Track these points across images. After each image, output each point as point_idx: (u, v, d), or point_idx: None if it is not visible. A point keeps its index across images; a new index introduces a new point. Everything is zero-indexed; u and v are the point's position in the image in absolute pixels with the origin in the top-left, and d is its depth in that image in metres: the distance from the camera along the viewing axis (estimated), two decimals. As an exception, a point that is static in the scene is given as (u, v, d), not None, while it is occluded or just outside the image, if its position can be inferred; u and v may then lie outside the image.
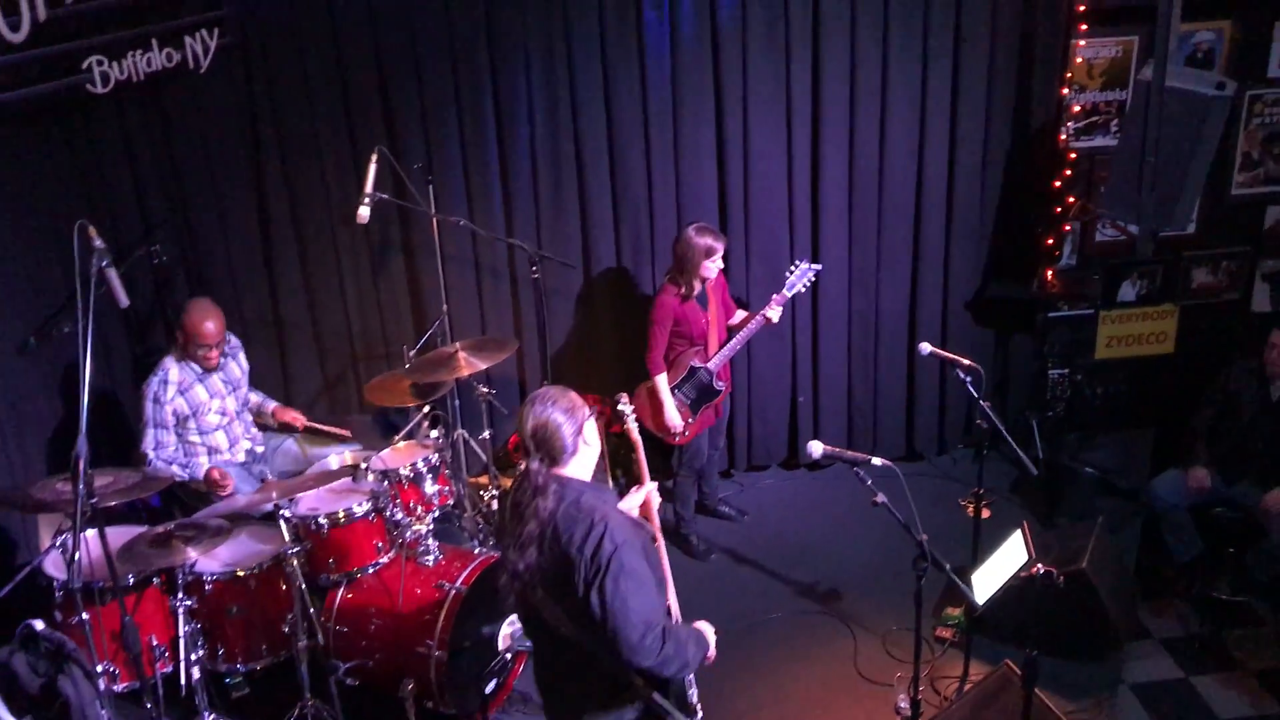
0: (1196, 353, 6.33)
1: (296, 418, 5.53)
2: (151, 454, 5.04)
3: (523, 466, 3.05)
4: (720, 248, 5.29)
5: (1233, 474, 5.28)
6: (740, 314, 5.68)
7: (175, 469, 5.04)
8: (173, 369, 5.08)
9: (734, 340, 5.50)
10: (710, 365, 5.47)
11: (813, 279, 5.46)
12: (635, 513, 3.69)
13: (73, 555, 3.57)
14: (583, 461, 3.11)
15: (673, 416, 5.46)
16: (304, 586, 4.40)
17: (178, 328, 5.09)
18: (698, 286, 5.39)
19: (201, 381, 5.14)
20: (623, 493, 4.02)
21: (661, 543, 3.53)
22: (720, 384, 5.53)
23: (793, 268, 5.43)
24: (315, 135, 5.76)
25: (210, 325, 5.03)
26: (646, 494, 3.75)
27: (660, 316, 5.38)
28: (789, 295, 5.40)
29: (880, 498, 3.70)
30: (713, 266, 5.31)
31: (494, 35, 5.63)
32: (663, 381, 5.44)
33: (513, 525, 3.06)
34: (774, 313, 5.35)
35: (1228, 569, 5.26)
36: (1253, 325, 6.15)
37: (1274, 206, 6.25)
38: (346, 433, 5.52)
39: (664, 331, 5.40)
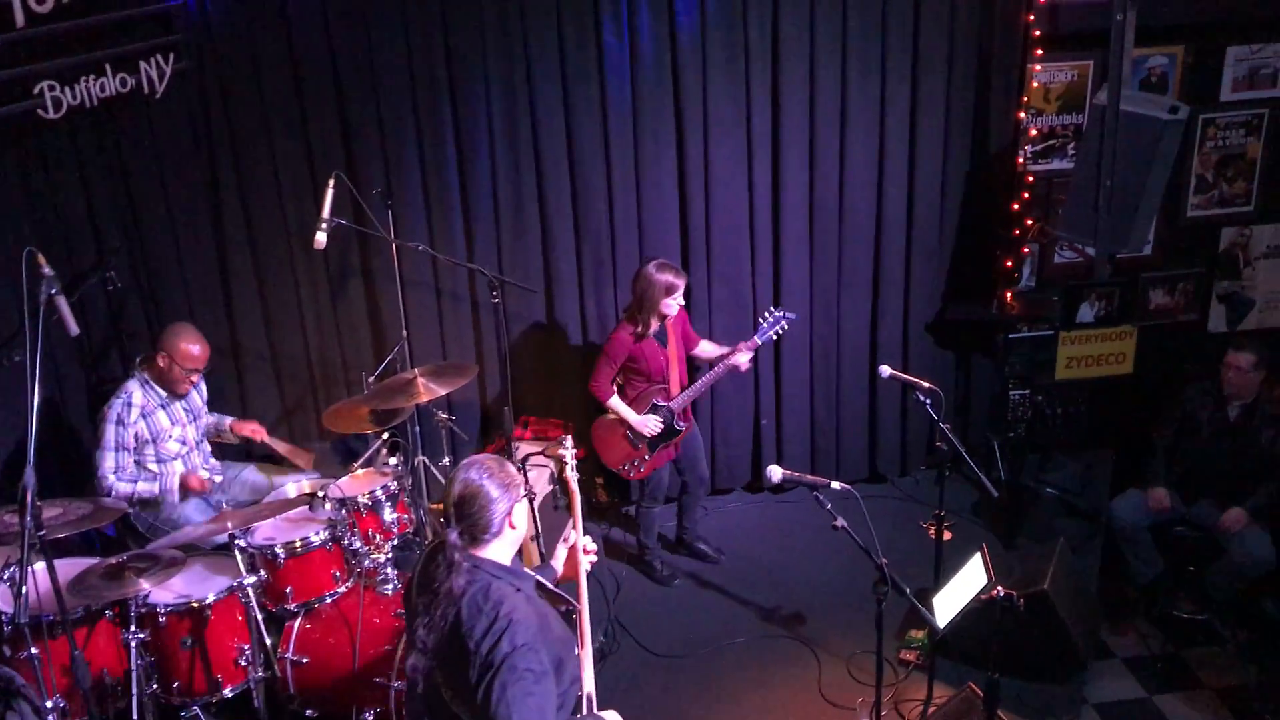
0: (1155, 373, 6.39)
1: (256, 430, 5.43)
2: (111, 477, 4.94)
3: (435, 533, 2.91)
4: (681, 284, 5.19)
5: (1192, 493, 5.32)
6: (704, 344, 5.60)
7: (141, 485, 4.96)
8: (136, 392, 5.01)
9: (699, 383, 5.44)
10: (673, 405, 5.42)
11: (785, 327, 5.37)
12: (561, 567, 3.59)
13: (19, 588, 3.50)
14: (505, 544, 2.96)
15: (643, 423, 5.38)
16: (260, 617, 4.35)
17: (158, 350, 5.02)
18: (655, 324, 5.26)
19: (164, 407, 5.08)
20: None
21: (585, 612, 3.42)
22: (681, 424, 5.48)
23: (765, 315, 5.34)
24: (272, 160, 5.72)
25: (196, 349, 5.02)
26: (572, 548, 3.59)
27: (611, 352, 5.31)
28: (760, 342, 5.33)
29: (840, 522, 3.71)
30: (673, 304, 5.20)
31: (453, 59, 5.62)
32: (616, 401, 5.38)
33: (421, 597, 2.93)
34: (744, 357, 5.31)
35: (1188, 588, 5.30)
36: (1209, 346, 6.23)
37: (1229, 228, 6.36)
38: (305, 464, 5.44)
39: (613, 366, 5.32)
